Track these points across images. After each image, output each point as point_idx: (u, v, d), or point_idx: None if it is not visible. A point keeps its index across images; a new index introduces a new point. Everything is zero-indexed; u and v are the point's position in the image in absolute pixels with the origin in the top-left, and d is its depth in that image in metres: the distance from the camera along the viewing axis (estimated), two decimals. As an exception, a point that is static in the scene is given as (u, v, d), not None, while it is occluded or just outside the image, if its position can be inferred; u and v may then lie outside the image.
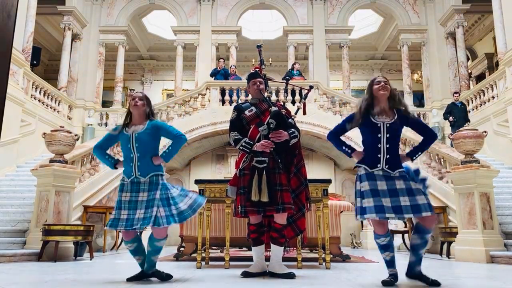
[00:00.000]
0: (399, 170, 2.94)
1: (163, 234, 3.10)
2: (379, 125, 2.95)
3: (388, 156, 2.93)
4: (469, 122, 9.61)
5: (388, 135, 2.94)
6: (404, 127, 3.09)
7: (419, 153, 3.11)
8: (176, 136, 3.27)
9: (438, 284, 2.85)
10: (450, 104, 10.20)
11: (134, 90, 15.51)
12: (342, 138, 3.23)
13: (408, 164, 3.10)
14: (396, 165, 2.95)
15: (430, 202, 2.87)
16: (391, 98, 3.01)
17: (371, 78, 3.14)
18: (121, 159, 3.31)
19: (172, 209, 3.05)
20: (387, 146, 2.94)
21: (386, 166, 2.93)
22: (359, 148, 3.23)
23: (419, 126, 3.14)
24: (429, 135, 3.12)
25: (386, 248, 2.99)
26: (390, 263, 3.01)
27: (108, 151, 3.40)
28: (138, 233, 3.23)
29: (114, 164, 3.33)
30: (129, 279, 3.14)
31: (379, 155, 2.94)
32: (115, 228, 3.08)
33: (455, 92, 10.50)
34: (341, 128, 3.18)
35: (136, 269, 3.16)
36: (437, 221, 7.45)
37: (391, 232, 8.85)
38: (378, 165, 2.93)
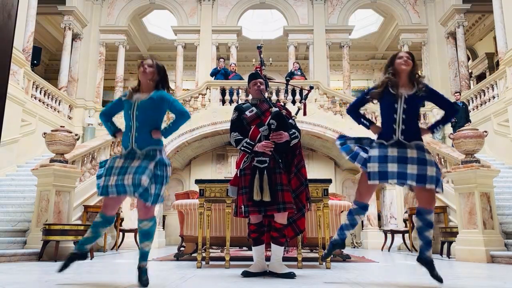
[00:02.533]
0: (415, 142, 2.92)
1: (150, 213, 2.89)
2: (397, 96, 2.96)
3: (403, 127, 2.92)
4: (470, 122, 9.60)
5: (405, 106, 2.94)
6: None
7: (440, 126, 3.11)
8: (180, 112, 3.00)
9: (440, 280, 2.83)
10: None
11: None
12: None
13: None
14: (413, 136, 2.93)
15: (440, 179, 2.85)
16: (411, 73, 3.01)
17: (393, 54, 3.12)
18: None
19: (162, 189, 2.86)
20: (403, 116, 2.93)
21: (402, 137, 2.91)
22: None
23: (440, 99, 3.12)
24: (451, 109, 3.11)
25: (350, 213, 3.05)
26: (342, 228, 3.10)
27: (114, 119, 3.20)
28: (116, 214, 2.99)
29: (114, 132, 3.13)
30: (60, 270, 2.93)
31: (394, 126, 2.94)
32: (106, 195, 2.83)
33: (456, 92, 10.50)
34: (360, 101, 3.21)
35: (135, 269, 3.12)
36: (436, 219, 7.45)
37: (392, 232, 8.82)
38: (394, 136, 2.92)
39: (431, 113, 12.00)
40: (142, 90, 3.01)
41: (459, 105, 10.00)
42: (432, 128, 3.11)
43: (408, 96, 2.95)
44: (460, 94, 10.42)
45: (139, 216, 2.93)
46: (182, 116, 3.00)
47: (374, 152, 2.93)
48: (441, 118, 3.14)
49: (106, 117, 3.16)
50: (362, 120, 3.20)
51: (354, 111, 3.24)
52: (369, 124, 3.18)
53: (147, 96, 2.96)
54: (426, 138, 8.86)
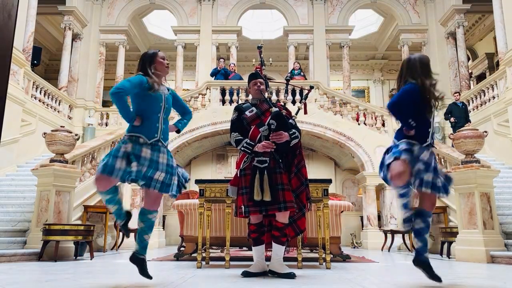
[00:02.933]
0: (432, 147, 3.03)
1: (158, 204, 2.93)
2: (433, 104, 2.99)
3: (432, 131, 3.02)
4: (470, 122, 9.60)
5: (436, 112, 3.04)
6: None
7: None
8: (188, 110, 3.28)
9: (439, 279, 2.84)
10: (451, 104, 10.20)
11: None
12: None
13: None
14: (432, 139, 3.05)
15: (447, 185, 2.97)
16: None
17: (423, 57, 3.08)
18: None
19: (174, 179, 2.87)
20: (432, 120, 3.03)
21: (432, 141, 3.01)
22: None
23: None
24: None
25: (404, 195, 2.93)
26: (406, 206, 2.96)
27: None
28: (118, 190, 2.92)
29: (133, 117, 2.86)
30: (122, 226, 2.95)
31: (429, 129, 3.00)
32: (108, 174, 2.69)
33: (456, 92, 10.50)
34: (406, 102, 2.96)
35: (135, 268, 3.11)
36: (437, 220, 7.45)
37: (392, 232, 8.82)
38: (428, 140, 2.97)
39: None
40: (157, 87, 2.95)
41: (459, 105, 10.01)
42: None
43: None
44: (459, 94, 10.42)
45: (148, 207, 2.90)
46: (190, 114, 3.25)
47: (403, 146, 2.89)
48: None
49: (125, 98, 2.82)
50: (410, 120, 2.92)
51: (398, 112, 3.01)
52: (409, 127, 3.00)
53: (166, 91, 3.03)
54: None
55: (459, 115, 9.83)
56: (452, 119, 9.87)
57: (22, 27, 9.25)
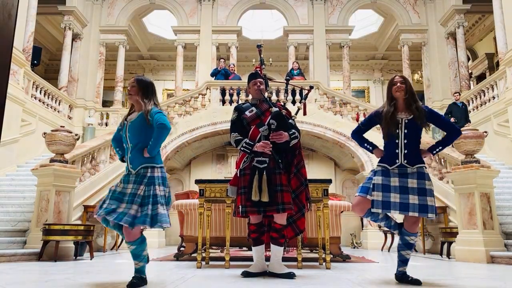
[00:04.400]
0: (418, 165, 3.00)
1: (131, 236, 2.78)
2: (398, 121, 3.04)
3: (406, 151, 3.01)
4: (470, 122, 9.60)
5: (406, 131, 3.02)
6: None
7: (440, 148, 3.15)
8: (157, 124, 2.82)
9: (418, 282, 2.91)
10: (451, 104, 10.20)
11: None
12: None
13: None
14: (415, 160, 3.02)
15: (435, 206, 2.95)
16: (408, 97, 3.09)
17: (391, 78, 3.22)
18: None
19: (147, 209, 2.73)
20: (405, 141, 3.02)
21: (405, 161, 3.00)
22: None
23: (440, 122, 3.17)
24: (452, 131, 3.15)
25: (411, 247, 3.09)
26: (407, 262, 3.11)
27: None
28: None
29: (122, 156, 3.10)
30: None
31: (397, 150, 3.02)
32: (98, 215, 2.79)
33: (456, 92, 10.50)
34: (362, 128, 3.31)
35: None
36: (437, 221, 7.45)
37: (391, 232, 8.82)
38: (397, 161, 3.01)
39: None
40: (136, 109, 3.00)
41: (459, 105, 10.01)
42: (432, 150, 3.16)
43: (408, 121, 3.03)
44: (459, 95, 10.42)
45: (125, 237, 2.84)
46: (160, 129, 2.82)
47: (378, 180, 3.00)
48: (442, 139, 3.19)
49: (116, 143, 3.13)
50: (366, 144, 3.29)
51: (359, 136, 3.33)
52: (372, 148, 3.26)
53: (134, 116, 2.95)
54: (426, 139, 8.91)
55: (459, 115, 9.82)
56: (452, 119, 9.87)
57: (22, 27, 9.25)
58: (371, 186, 3.02)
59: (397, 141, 3.02)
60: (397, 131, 3.03)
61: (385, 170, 3.03)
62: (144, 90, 2.95)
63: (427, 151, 3.13)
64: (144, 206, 2.76)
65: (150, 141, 2.87)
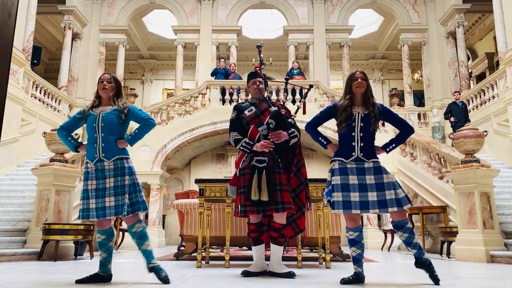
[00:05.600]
0: (373, 159, 3.03)
1: (133, 219, 3.03)
2: (354, 115, 3.07)
3: (362, 144, 3.03)
4: (470, 121, 9.61)
5: (362, 124, 3.05)
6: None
7: (394, 145, 3.18)
8: (144, 119, 3.12)
9: (437, 282, 2.87)
10: (451, 104, 10.20)
11: (134, 89, 15.52)
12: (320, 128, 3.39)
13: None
14: (371, 154, 3.05)
15: (400, 197, 2.91)
16: (366, 93, 3.14)
17: (350, 73, 3.26)
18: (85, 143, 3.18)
19: (138, 196, 3.01)
20: (361, 134, 3.04)
21: (361, 154, 3.02)
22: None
23: (394, 120, 3.23)
24: (405, 128, 3.20)
25: (354, 243, 3.05)
26: (356, 260, 3.06)
27: (73, 134, 3.28)
28: (113, 227, 3.13)
29: (76, 146, 3.21)
30: (78, 281, 2.95)
31: (353, 143, 3.04)
32: (87, 219, 2.98)
33: (455, 92, 10.50)
34: (319, 119, 3.31)
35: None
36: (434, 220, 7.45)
37: (391, 232, 8.82)
38: (353, 154, 3.02)
39: (431, 113, 12.00)
40: (103, 104, 3.15)
41: (458, 105, 10.01)
42: (386, 147, 3.18)
43: (364, 115, 3.05)
44: (459, 94, 10.42)
45: (128, 223, 3.03)
46: (147, 123, 3.11)
47: (337, 179, 3.02)
48: (395, 137, 3.23)
49: (66, 132, 3.21)
50: (320, 138, 3.30)
51: (313, 129, 3.33)
52: (327, 143, 3.26)
53: (110, 108, 3.11)
54: (426, 138, 8.92)
55: (458, 114, 9.83)
56: (452, 119, 9.87)
57: (22, 26, 9.24)
58: (331, 187, 3.04)
59: (353, 133, 3.04)
60: (353, 124, 3.05)
61: (342, 168, 3.02)
62: (119, 89, 3.19)
63: (381, 148, 3.15)
64: (132, 194, 2.99)
65: (122, 134, 3.10)
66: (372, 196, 2.92)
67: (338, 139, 3.18)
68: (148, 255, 3.00)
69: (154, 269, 2.96)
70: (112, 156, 3.02)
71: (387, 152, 3.20)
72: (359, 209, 2.92)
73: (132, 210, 2.94)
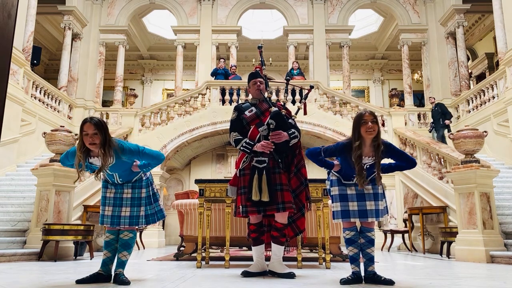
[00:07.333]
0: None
1: (129, 228, 3.12)
2: (363, 166, 2.96)
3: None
4: (451, 116, 10.08)
5: (365, 172, 2.99)
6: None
7: (390, 172, 3.20)
8: (154, 157, 3.06)
9: (391, 283, 2.90)
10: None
11: (134, 90, 15.52)
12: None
13: None
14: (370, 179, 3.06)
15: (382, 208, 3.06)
16: (376, 139, 2.92)
17: (358, 113, 3.00)
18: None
19: (155, 206, 3.17)
20: (365, 172, 3.01)
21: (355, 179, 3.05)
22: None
23: (397, 155, 3.10)
24: (407, 162, 3.11)
25: (351, 242, 3.06)
26: (353, 259, 3.08)
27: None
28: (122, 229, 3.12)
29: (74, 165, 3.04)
30: (79, 281, 2.94)
31: (354, 175, 3.03)
32: (102, 224, 3.11)
33: (430, 97, 11.07)
34: (328, 154, 3.08)
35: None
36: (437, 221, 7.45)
37: (391, 232, 8.82)
38: (352, 179, 3.05)
39: (431, 113, 11.99)
40: (93, 154, 2.90)
41: (433, 109, 10.23)
42: (385, 172, 3.14)
43: (369, 166, 2.98)
44: (434, 99, 10.73)
45: (121, 229, 3.11)
46: (157, 160, 3.11)
47: (335, 190, 3.08)
48: (395, 166, 3.18)
49: (68, 164, 3.13)
50: (327, 164, 3.11)
51: (315, 160, 3.11)
52: (332, 166, 3.11)
53: (112, 159, 2.88)
54: (426, 138, 8.92)
55: (436, 117, 10.20)
56: (428, 128, 10.44)
57: (22, 26, 9.24)
58: (331, 197, 3.12)
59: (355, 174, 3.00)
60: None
61: (340, 180, 3.09)
62: (106, 131, 2.86)
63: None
64: (147, 206, 3.14)
65: (133, 160, 3.04)
66: (370, 205, 3.00)
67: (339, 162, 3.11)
68: (120, 263, 3.05)
69: (118, 276, 2.98)
70: (132, 178, 3.13)
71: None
72: (358, 217, 3.00)
73: (146, 221, 3.09)
